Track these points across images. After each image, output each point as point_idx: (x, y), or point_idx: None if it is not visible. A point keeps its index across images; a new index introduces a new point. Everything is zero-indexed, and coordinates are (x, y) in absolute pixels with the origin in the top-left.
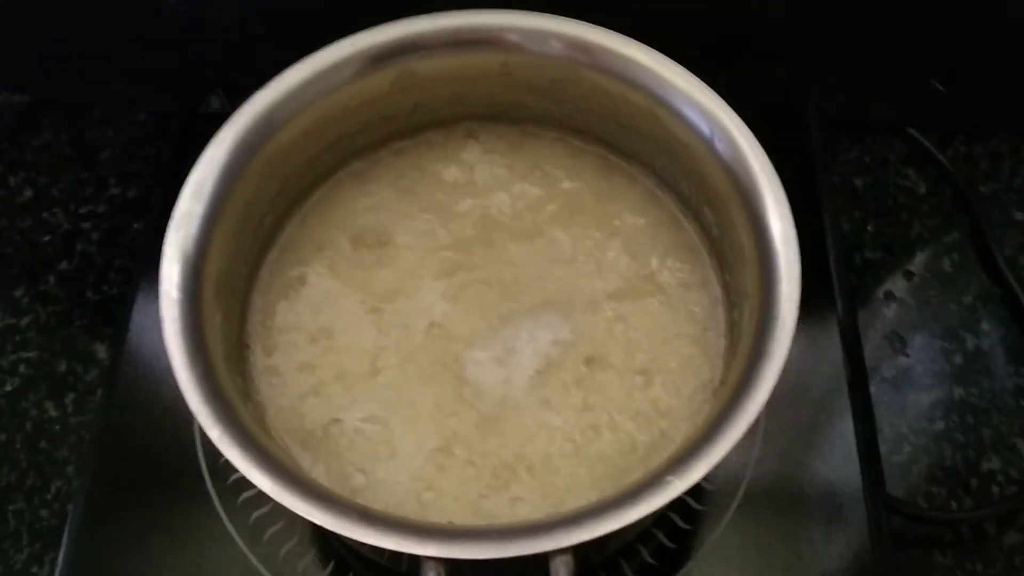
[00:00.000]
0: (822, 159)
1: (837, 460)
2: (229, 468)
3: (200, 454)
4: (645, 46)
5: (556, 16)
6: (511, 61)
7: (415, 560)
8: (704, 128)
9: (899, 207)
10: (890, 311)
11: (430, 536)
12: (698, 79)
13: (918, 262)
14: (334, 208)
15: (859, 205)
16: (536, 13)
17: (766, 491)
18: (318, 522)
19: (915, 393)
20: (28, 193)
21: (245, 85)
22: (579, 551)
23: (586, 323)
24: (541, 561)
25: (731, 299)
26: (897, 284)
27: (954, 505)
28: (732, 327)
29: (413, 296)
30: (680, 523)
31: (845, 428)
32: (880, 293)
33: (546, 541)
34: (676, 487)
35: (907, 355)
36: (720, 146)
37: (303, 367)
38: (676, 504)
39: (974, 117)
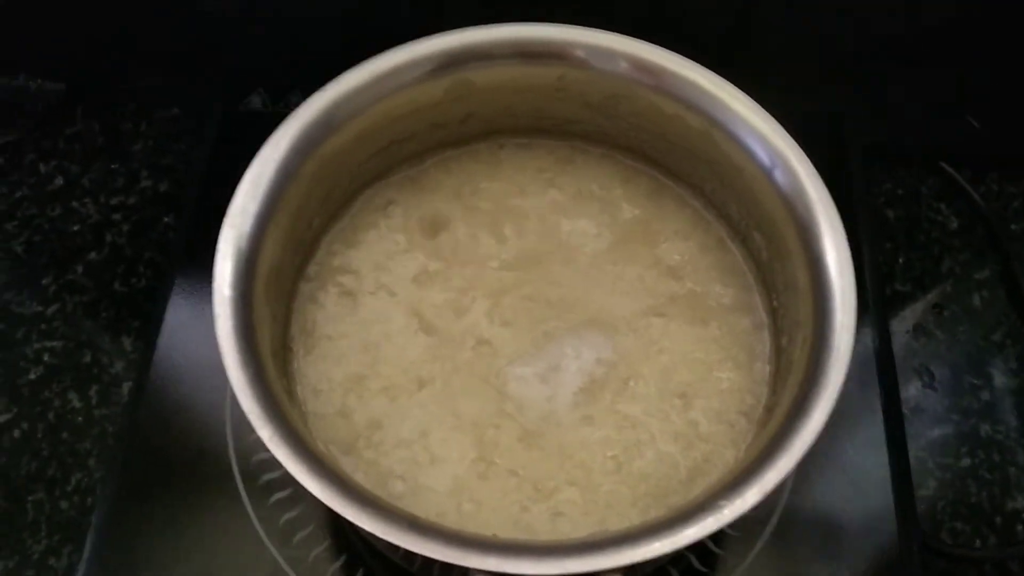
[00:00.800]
0: (860, 190)
1: (870, 492)
2: (261, 468)
3: (231, 452)
4: (705, 69)
5: (621, 35)
6: (568, 75)
7: (463, 573)
8: (763, 156)
9: (931, 241)
10: (919, 344)
11: (484, 549)
12: (758, 105)
13: (948, 297)
14: (382, 215)
15: (890, 237)
16: (601, 31)
17: (798, 521)
18: (368, 528)
19: (942, 428)
20: (59, 182)
21: (285, 86)
22: (628, 571)
23: (628, 343)
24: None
25: (778, 325)
26: (927, 318)
27: (978, 543)
28: (779, 354)
29: (462, 312)
30: (712, 547)
31: (878, 460)
32: (909, 326)
33: (602, 559)
34: (727, 513)
35: (935, 389)
36: (779, 175)
37: (346, 373)
38: None
39: (1008, 155)
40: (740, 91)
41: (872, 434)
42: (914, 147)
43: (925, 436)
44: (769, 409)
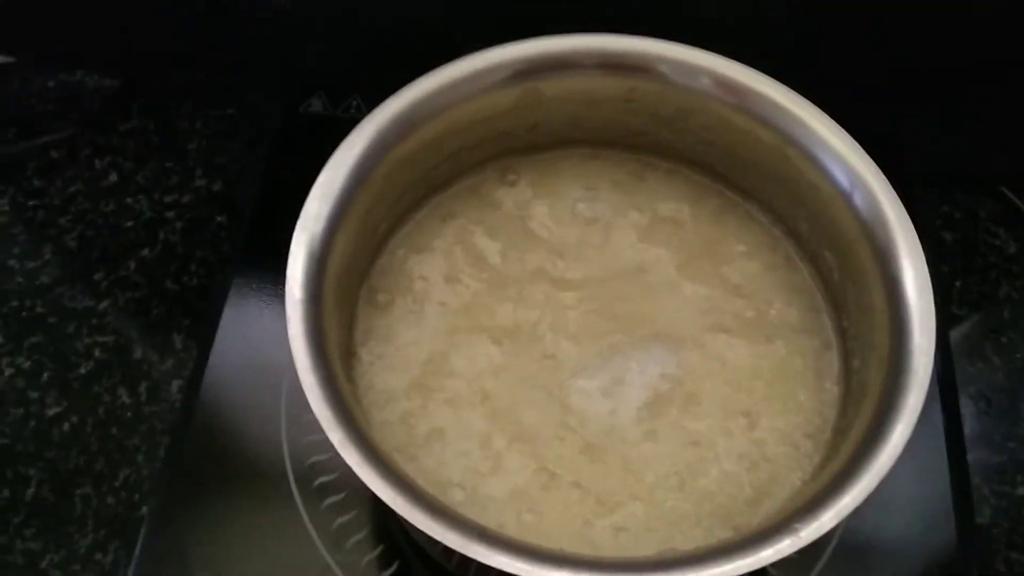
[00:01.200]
0: (924, 212)
1: (928, 517)
2: (315, 471)
3: (286, 454)
4: (783, 86)
5: (700, 49)
6: (640, 88)
7: None
8: (841, 177)
9: (988, 266)
10: (975, 370)
11: (558, 564)
12: (837, 125)
13: (1005, 323)
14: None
15: (947, 260)
16: (681, 45)
17: (856, 545)
18: (437, 537)
19: (998, 455)
20: (113, 178)
21: (344, 91)
22: None
23: (693, 359)
24: None
25: (848, 346)
26: (983, 343)
27: None
28: (849, 375)
29: (527, 323)
30: (772, 572)
31: (938, 486)
32: (966, 350)
33: None
34: (804, 536)
35: (991, 416)
36: (858, 196)
37: (409, 381)
38: None
39: None
40: (819, 110)
41: (932, 460)
42: (973, 170)
43: (981, 463)
44: (839, 431)
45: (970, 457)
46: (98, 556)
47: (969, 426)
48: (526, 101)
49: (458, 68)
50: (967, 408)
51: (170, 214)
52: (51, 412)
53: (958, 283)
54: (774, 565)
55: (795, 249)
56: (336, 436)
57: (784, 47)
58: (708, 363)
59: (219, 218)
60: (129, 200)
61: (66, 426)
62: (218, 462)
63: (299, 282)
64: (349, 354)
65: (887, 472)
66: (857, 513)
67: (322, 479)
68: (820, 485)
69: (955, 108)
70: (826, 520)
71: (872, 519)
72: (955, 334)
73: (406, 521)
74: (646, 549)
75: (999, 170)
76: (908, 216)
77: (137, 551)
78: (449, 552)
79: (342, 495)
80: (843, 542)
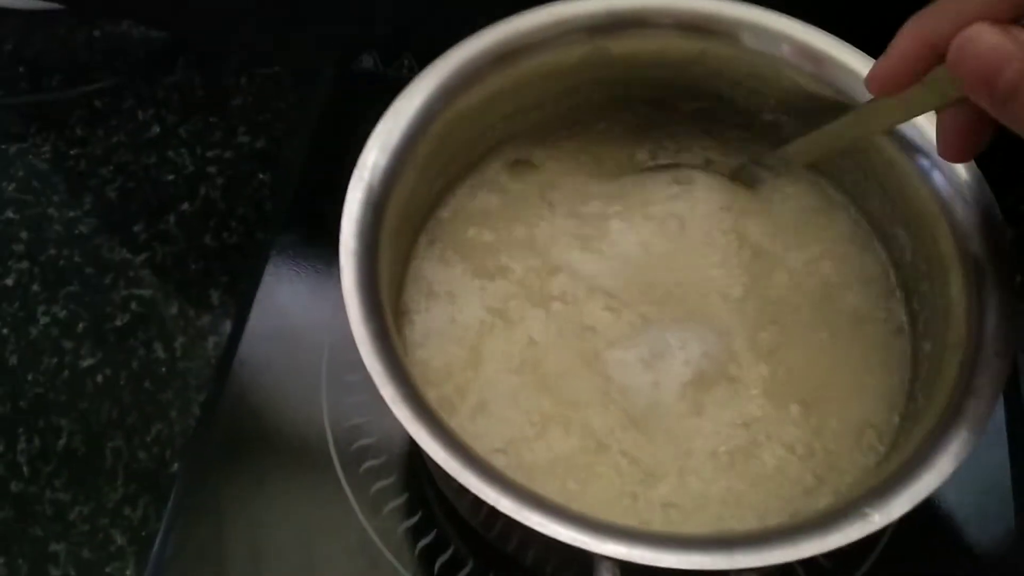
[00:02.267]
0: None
1: (990, 511)
2: (353, 433)
3: (325, 415)
4: (865, 55)
5: (786, 16)
6: (710, 51)
7: (582, 559)
8: (919, 151)
9: None
10: None
11: (617, 536)
12: None
13: None
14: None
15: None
16: (763, 9)
17: (912, 538)
18: (493, 503)
19: None
20: (156, 130)
21: (397, 48)
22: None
23: (742, 341)
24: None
25: (918, 330)
26: None
27: None
28: (918, 360)
29: (577, 294)
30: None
31: (1001, 477)
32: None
33: (742, 557)
34: (875, 520)
35: None
36: (937, 174)
37: (454, 343)
38: None
39: None
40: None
41: (993, 452)
42: None
43: None
44: (907, 418)
45: None
46: (127, 511)
47: None
48: (592, 60)
49: (523, 21)
50: None
51: (211, 169)
52: (85, 363)
53: (1018, 278)
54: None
55: (868, 228)
56: (388, 392)
57: (867, 18)
58: (761, 346)
59: (261, 175)
60: (171, 153)
61: (99, 378)
62: (254, 421)
63: (354, 232)
64: (400, 312)
65: (967, 454)
66: (914, 518)
67: (362, 442)
68: (894, 466)
69: None
70: (899, 504)
71: (929, 511)
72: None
73: (447, 487)
74: (697, 527)
75: None
76: (990, 191)
77: (168, 508)
78: (490, 521)
79: (381, 459)
80: (897, 533)
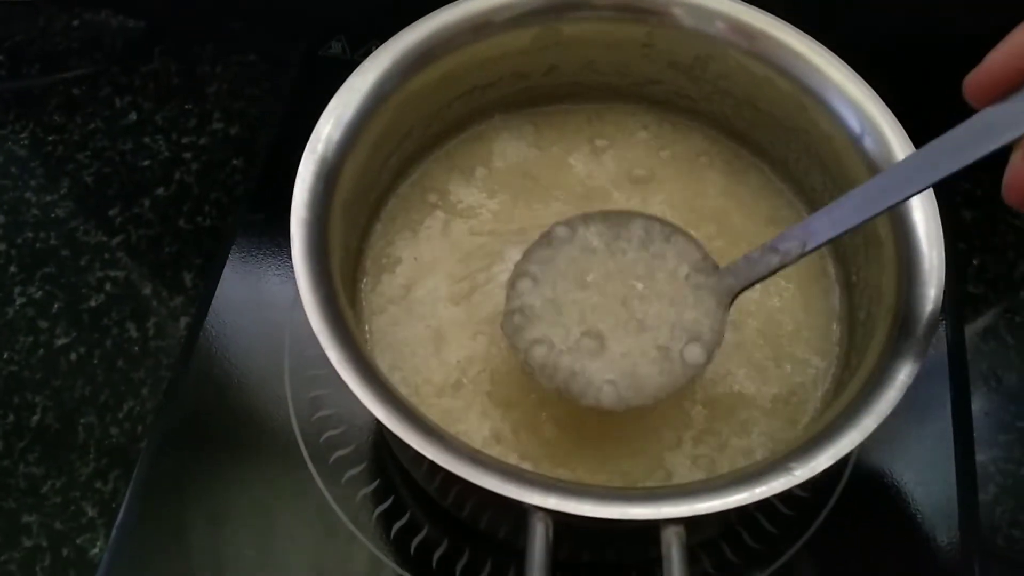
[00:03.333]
0: (944, 188)
1: (933, 487)
2: (315, 404)
3: (287, 389)
4: (802, 33)
5: None
6: (656, 33)
7: (519, 515)
8: (854, 123)
9: (1006, 245)
10: (988, 347)
11: (546, 488)
12: (853, 71)
13: (1021, 303)
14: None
15: (965, 238)
16: None
17: (858, 517)
18: (431, 457)
19: (1006, 434)
20: (132, 117)
21: (364, 36)
22: (691, 525)
23: None
24: (653, 529)
25: (854, 300)
26: (998, 322)
27: None
28: (854, 327)
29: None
30: (783, 509)
31: (944, 457)
32: (979, 328)
33: (668, 508)
34: (798, 475)
35: (1001, 394)
36: (869, 142)
37: (407, 306)
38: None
39: None
40: (836, 57)
41: (939, 436)
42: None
43: (989, 441)
44: (841, 384)
45: (978, 435)
46: (98, 484)
47: (978, 404)
48: (544, 41)
49: (477, 3)
50: (977, 386)
51: (187, 155)
52: (59, 342)
53: (975, 261)
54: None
55: (803, 202)
56: (334, 355)
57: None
58: None
59: (235, 161)
60: (147, 140)
61: (73, 356)
62: (219, 395)
63: (305, 202)
64: (355, 280)
65: (889, 412)
66: (861, 481)
67: (322, 413)
68: (820, 426)
69: None
70: (821, 460)
71: (876, 489)
72: (969, 312)
73: (401, 452)
74: None
75: None
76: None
77: (133, 480)
78: (444, 486)
79: (341, 429)
80: (842, 510)
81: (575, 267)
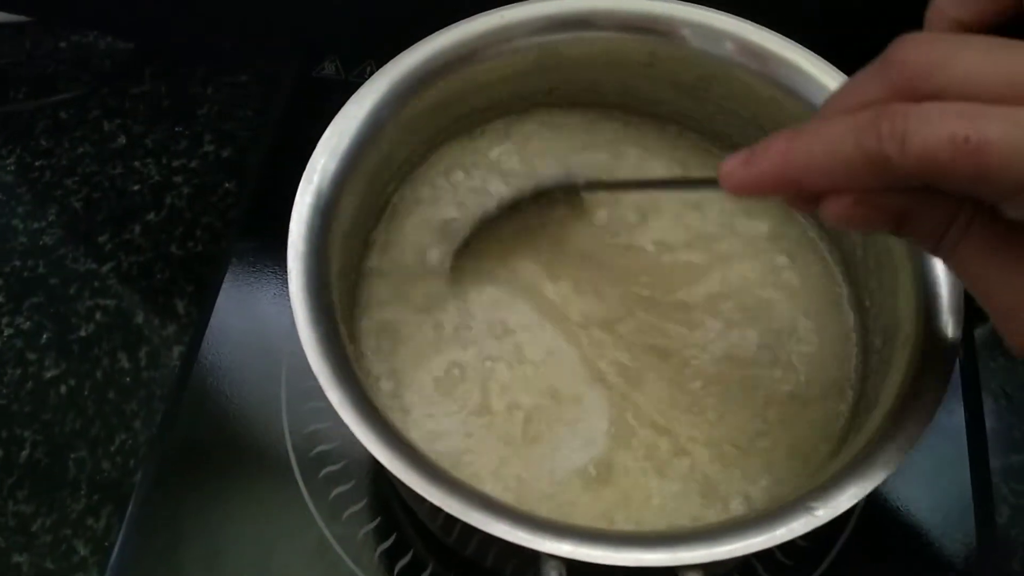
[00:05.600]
0: None
1: (948, 509)
2: (313, 440)
3: (284, 422)
4: (809, 52)
5: (727, 14)
6: (659, 52)
7: (530, 558)
8: None
9: None
10: (997, 365)
11: (558, 534)
12: None
13: None
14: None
15: None
16: (703, 8)
17: (874, 540)
18: (438, 504)
19: (1018, 454)
20: (122, 140)
21: (357, 57)
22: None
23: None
24: (670, 573)
25: (868, 326)
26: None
27: None
28: (868, 355)
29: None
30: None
31: (958, 479)
32: (989, 347)
33: (686, 553)
34: (820, 515)
35: (1011, 413)
36: None
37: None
38: None
39: None
40: (840, 72)
41: (953, 457)
42: None
43: (1000, 461)
44: (857, 415)
45: (990, 455)
46: (90, 521)
47: (989, 423)
48: (545, 62)
49: (476, 24)
50: (988, 405)
51: (178, 179)
52: (49, 374)
53: None
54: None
55: (816, 231)
56: (334, 395)
57: (812, 15)
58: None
59: (227, 184)
60: (137, 163)
61: (63, 388)
62: (214, 428)
63: (302, 235)
64: (353, 309)
65: (913, 447)
66: (876, 508)
67: (321, 447)
68: (840, 463)
69: None
70: (844, 499)
71: (891, 515)
72: (979, 331)
73: (404, 490)
74: None
75: None
76: None
77: (126, 518)
78: (449, 524)
79: (341, 464)
80: (859, 533)
81: None
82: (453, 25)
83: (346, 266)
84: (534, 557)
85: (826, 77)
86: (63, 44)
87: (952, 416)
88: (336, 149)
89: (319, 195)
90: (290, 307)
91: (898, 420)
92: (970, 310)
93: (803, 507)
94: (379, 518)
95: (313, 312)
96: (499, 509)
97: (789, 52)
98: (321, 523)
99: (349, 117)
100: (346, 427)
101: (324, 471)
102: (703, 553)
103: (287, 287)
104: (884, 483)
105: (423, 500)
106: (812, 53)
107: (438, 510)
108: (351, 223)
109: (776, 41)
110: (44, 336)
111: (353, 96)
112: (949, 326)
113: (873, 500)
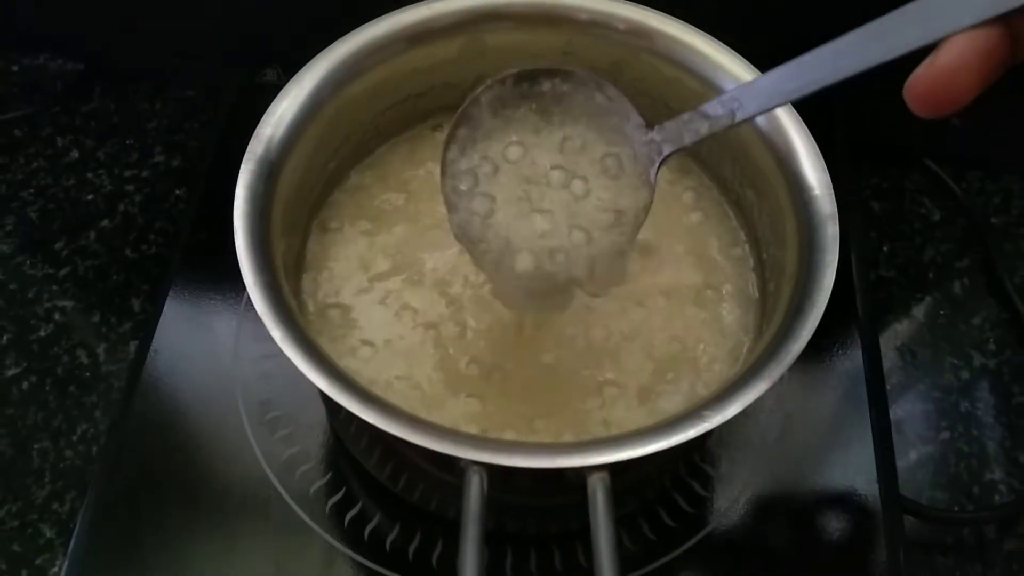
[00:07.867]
0: (846, 178)
1: (854, 456)
2: (266, 406)
3: (238, 391)
4: (703, 33)
5: (623, 1)
6: (574, 41)
7: (456, 467)
8: (759, 119)
9: (913, 232)
10: (902, 326)
11: (477, 444)
12: (751, 66)
13: (930, 284)
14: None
15: (875, 227)
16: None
17: (784, 472)
18: (371, 421)
19: (923, 404)
20: (74, 154)
21: (298, 62)
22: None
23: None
24: (580, 478)
25: (766, 274)
26: (909, 302)
27: (956, 510)
28: (766, 298)
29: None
30: (699, 491)
31: (863, 429)
32: (893, 308)
33: (586, 457)
34: (713, 420)
35: (916, 368)
36: (773, 134)
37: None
38: (696, 472)
39: (988, 155)
40: (735, 53)
41: (857, 407)
42: (899, 144)
43: (906, 411)
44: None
45: (896, 406)
46: (55, 506)
47: (896, 377)
48: (469, 53)
49: (404, 16)
50: (893, 361)
51: (130, 187)
52: (10, 372)
53: (885, 248)
54: (703, 484)
55: (721, 192)
56: (278, 333)
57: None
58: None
59: (177, 191)
60: (90, 175)
61: (25, 385)
62: (170, 408)
63: (246, 197)
64: (299, 273)
65: (791, 363)
66: (783, 454)
67: (273, 413)
68: (732, 379)
69: (883, 81)
70: (731, 407)
71: (796, 448)
72: (882, 294)
73: (345, 434)
74: None
75: (924, 144)
76: (816, 146)
77: (85, 502)
78: (396, 472)
79: (292, 428)
80: (766, 473)
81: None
82: (384, 15)
83: (289, 232)
84: (460, 473)
85: (723, 57)
86: (15, 67)
87: (856, 370)
88: (280, 121)
89: (264, 163)
90: (238, 297)
91: (780, 343)
92: (872, 274)
93: (697, 416)
94: (329, 474)
95: (258, 264)
96: (425, 425)
97: (687, 35)
98: (276, 483)
99: (289, 96)
100: (299, 392)
101: (277, 434)
102: (609, 455)
103: (236, 276)
104: (790, 424)
105: (361, 435)
106: (708, 35)
107: (377, 438)
108: (295, 192)
109: (670, 23)
110: (4, 338)
111: (293, 78)
112: (826, 262)
113: (783, 446)
